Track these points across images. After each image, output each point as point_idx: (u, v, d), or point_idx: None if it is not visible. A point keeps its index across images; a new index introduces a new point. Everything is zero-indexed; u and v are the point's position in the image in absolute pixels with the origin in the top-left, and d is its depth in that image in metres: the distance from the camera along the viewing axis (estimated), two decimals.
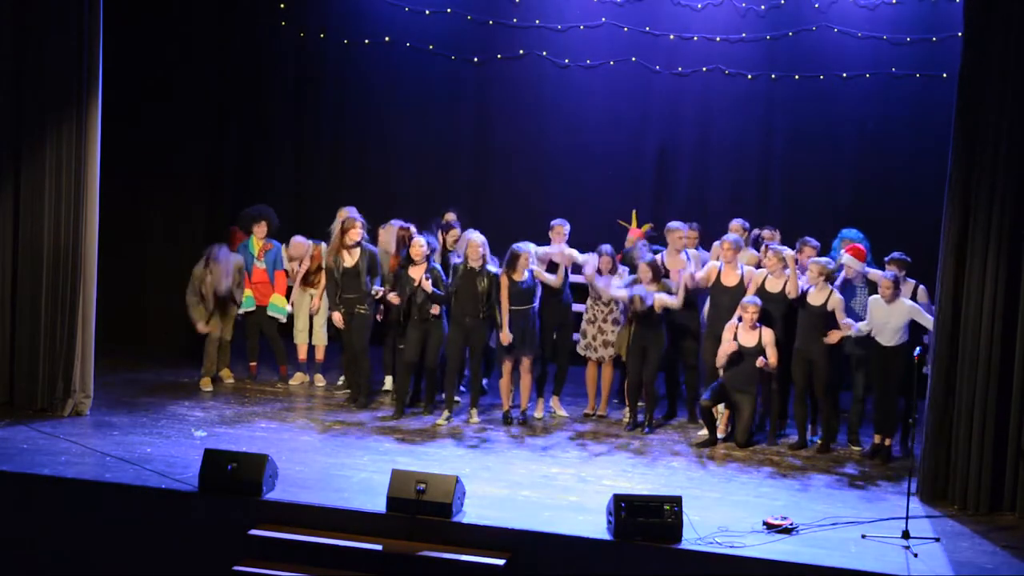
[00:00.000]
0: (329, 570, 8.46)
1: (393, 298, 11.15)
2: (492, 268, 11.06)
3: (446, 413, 11.15)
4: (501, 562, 8.32)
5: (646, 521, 8.32)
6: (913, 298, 10.51)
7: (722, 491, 9.54)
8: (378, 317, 11.65)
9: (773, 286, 10.75)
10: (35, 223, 10.85)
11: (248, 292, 12.06)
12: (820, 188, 13.32)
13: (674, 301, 10.81)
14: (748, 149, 13.53)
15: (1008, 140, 9.19)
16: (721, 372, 10.68)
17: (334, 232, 11.59)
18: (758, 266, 11.10)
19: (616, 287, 11.06)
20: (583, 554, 8.41)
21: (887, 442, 10.53)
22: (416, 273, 11.09)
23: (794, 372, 10.65)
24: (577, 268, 11.51)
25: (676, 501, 8.42)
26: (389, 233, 12.04)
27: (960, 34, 9.57)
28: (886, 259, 10.70)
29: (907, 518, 8.65)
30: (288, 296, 12.21)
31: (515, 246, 11.04)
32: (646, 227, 12.50)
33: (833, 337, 10.42)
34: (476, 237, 11.12)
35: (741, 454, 10.51)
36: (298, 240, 12.23)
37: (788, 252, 10.67)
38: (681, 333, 11.23)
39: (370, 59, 14.11)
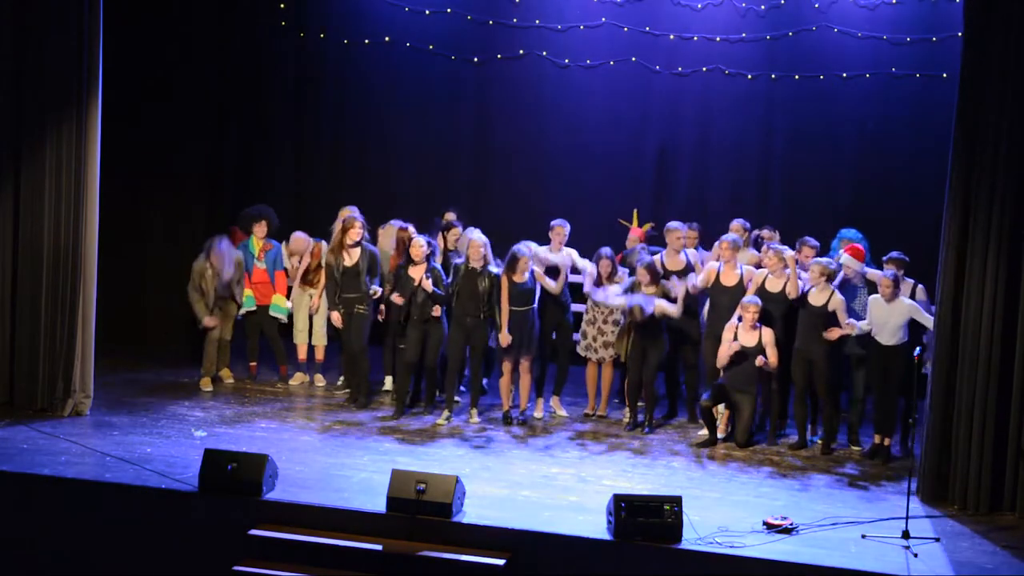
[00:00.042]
0: (329, 570, 8.46)
1: (396, 298, 11.15)
2: (494, 269, 11.06)
3: (446, 413, 11.16)
4: (501, 562, 8.32)
5: (646, 521, 8.32)
6: (912, 297, 10.51)
7: (722, 491, 9.54)
8: (380, 317, 11.63)
9: (773, 286, 10.75)
10: (35, 223, 10.85)
11: (248, 292, 12.07)
12: (820, 188, 13.32)
13: (674, 310, 10.79)
14: (748, 149, 13.53)
15: (1008, 140, 9.19)
16: (721, 372, 10.68)
17: (335, 231, 11.60)
18: (758, 266, 11.10)
19: (615, 294, 11.03)
20: (583, 554, 8.40)
21: (886, 442, 10.53)
22: (416, 273, 11.09)
23: (794, 372, 10.65)
24: (577, 269, 11.52)
25: (676, 501, 8.42)
26: (388, 234, 12.05)
27: (960, 34, 9.57)
28: (884, 258, 10.70)
29: (907, 518, 8.65)
30: (289, 296, 12.21)
31: (516, 248, 11.02)
32: (647, 226, 12.50)
33: (833, 334, 10.41)
34: (478, 237, 11.12)
35: (741, 454, 10.51)
36: (299, 235, 12.23)
37: (789, 253, 10.67)
38: (681, 333, 11.23)
39: (370, 59, 14.11)
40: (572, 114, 13.81)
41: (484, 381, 11.69)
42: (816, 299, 10.49)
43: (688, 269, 11.30)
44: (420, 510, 8.59)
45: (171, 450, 9.95)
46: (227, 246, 11.85)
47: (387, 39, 14.04)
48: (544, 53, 13.78)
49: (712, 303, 11.04)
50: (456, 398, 11.40)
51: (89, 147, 10.74)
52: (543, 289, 11.29)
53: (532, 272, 11.07)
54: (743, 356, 10.53)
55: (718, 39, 13.34)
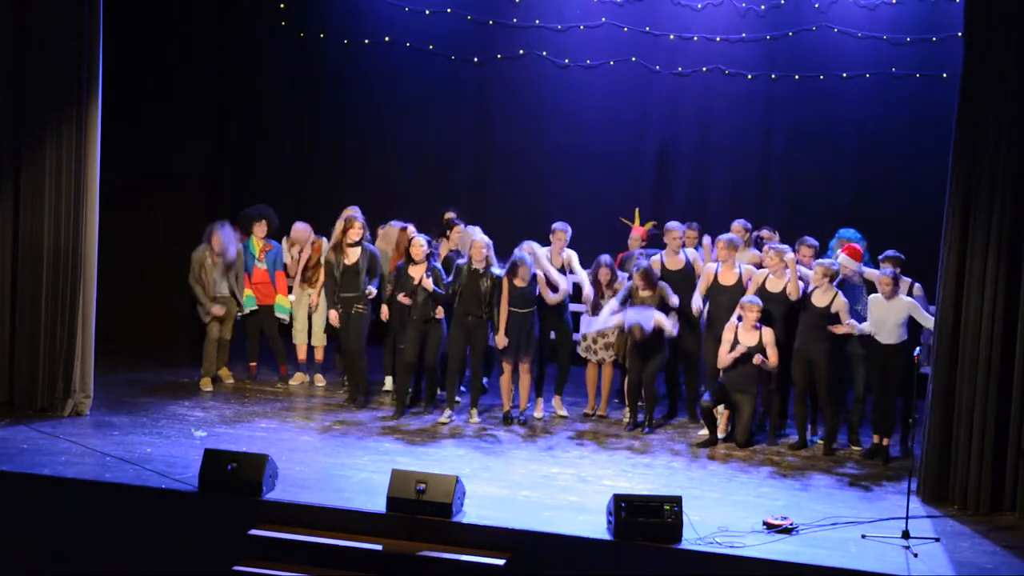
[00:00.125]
0: (329, 570, 8.46)
1: (403, 298, 11.13)
2: (496, 270, 11.06)
3: (448, 411, 11.16)
4: (501, 562, 8.32)
5: (646, 521, 8.31)
6: (909, 295, 10.50)
7: (722, 491, 9.54)
8: (383, 317, 11.59)
9: (774, 286, 10.75)
10: (35, 223, 10.84)
11: (248, 292, 12.06)
12: (820, 188, 13.32)
13: (672, 328, 10.76)
14: (748, 149, 13.53)
15: (1008, 140, 9.19)
16: (721, 372, 10.68)
17: (336, 230, 11.61)
18: (759, 266, 11.10)
19: (610, 312, 10.97)
20: (583, 554, 8.40)
21: (885, 442, 10.53)
22: (416, 272, 11.09)
23: (794, 372, 10.65)
24: (573, 269, 11.56)
25: (676, 501, 8.42)
26: (388, 234, 12.05)
27: (960, 34, 9.57)
28: (880, 257, 10.70)
29: (907, 518, 8.64)
30: (290, 293, 12.21)
31: (517, 255, 10.98)
32: (649, 224, 12.51)
33: (840, 329, 10.40)
34: (480, 238, 11.13)
35: (741, 454, 10.51)
36: (300, 226, 12.20)
37: (789, 255, 10.66)
38: (681, 333, 11.21)
39: (370, 59, 14.10)
40: (572, 114, 13.80)
41: (484, 381, 11.70)
42: (819, 300, 10.49)
43: (688, 268, 11.30)
44: (420, 510, 8.59)
45: (171, 450, 9.95)
46: (229, 229, 11.83)
47: (387, 39, 14.04)
48: (544, 53, 13.77)
49: (712, 303, 11.03)
50: (456, 398, 11.40)
51: (89, 147, 10.74)
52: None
53: (534, 275, 11.03)
54: (744, 356, 10.52)
55: (718, 39, 13.34)
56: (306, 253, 12.13)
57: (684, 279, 11.23)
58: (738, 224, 11.69)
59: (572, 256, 11.59)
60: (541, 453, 10.41)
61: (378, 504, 8.77)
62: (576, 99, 13.76)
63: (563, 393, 11.72)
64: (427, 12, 13.88)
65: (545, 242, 11.56)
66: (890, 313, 10.28)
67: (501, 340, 11.03)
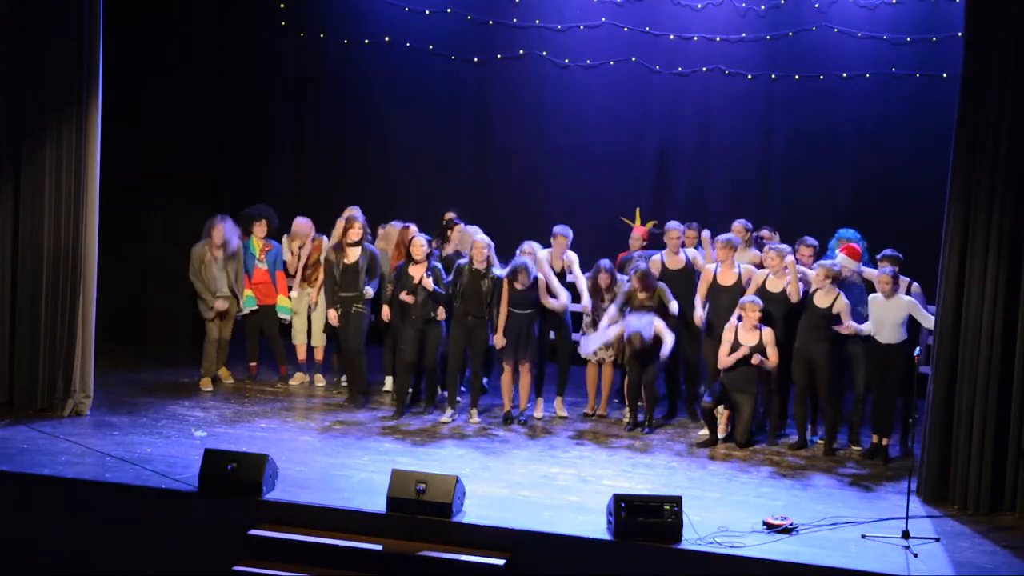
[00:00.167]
0: (329, 570, 8.46)
1: (405, 296, 11.12)
2: (497, 271, 11.06)
3: (449, 411, 11.16)
4: (501, 562, 8.32)
5: (646, 521, 8.31)
6: (907, 294, 10.50)
7: (722, 491, 9.54)
8: (384, 318, 11.57)
9: (774, 286, 10.75)
10: (35, 223, 10.84)
11: (248, 292, 12.06)
12: (820, 188, 13.32)
13: (670, 338, 10.74)
14: (748, 149, 13.53)
15: (1008, 140, 9.19)
16: (721, 373, 10.68)
17: (336, 229, 11.61)
18: (759, 266, 11.10)
19: (611, 317, 10.97)
20: (583, 554, 8.40)
21: (884, 442, 10.53)
22: (417, 272, 11.09)
23: (794, 372, 10.65)
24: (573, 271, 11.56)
25: (676, 501, 8.42)
26: (389, 233, 12.05)
27: (960, 34, 9.57)
28: (878, 256, 10.70)
29: (907, 518, 8.64)
30: (291, 292, 12.21)
31: (519, 261, 10.97)
32: (650, 224, 12.50)
33: (844, 329, 10.38)
34: (481, 238, 11.13)
35: (741, 454, 10.51)
36: (301, 221, 12.19)
37: (790, 258, 10.66)
38: (681, 340, 11.19)
39: (370, 59, 14.10)
40: (572, 114, 13.80)
41: (484, 381, 11.70)
42: (821, 301, 10.48)
43: (689, 268, 11.30)
44: (420, 510, 8.59)
45: (171, 450, 9.95)
46: (231, 222, 11.82)
47: (387, 39, 14.04)
48: (544, 53, 13.77)
49: (712, 303, 11.03)
50: (456, 398, 11.39)
51: (89, 147, 10.74)
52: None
53: (535, 279, 11.01)
54: (744, 356, 10.52)
55: (718, 39, 13.34)
56: (306, 250, 12.13)
57: (685, 279, 11.24)
58: (738, 224, 11.69)
59: (573, 259, 11.59)
60: (541, 453, 10.40)
61: (378, 504, 8.77)
62: (576, 99, 13.76)
63: (564, 394, 11.71)
64: (427, 12, 13.88)
65: (545, 243, 11.56)
66: (890, 312, 10.28)
67: (499, 340, 11.02)
